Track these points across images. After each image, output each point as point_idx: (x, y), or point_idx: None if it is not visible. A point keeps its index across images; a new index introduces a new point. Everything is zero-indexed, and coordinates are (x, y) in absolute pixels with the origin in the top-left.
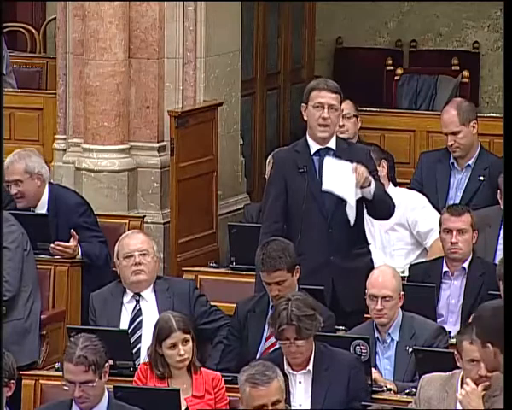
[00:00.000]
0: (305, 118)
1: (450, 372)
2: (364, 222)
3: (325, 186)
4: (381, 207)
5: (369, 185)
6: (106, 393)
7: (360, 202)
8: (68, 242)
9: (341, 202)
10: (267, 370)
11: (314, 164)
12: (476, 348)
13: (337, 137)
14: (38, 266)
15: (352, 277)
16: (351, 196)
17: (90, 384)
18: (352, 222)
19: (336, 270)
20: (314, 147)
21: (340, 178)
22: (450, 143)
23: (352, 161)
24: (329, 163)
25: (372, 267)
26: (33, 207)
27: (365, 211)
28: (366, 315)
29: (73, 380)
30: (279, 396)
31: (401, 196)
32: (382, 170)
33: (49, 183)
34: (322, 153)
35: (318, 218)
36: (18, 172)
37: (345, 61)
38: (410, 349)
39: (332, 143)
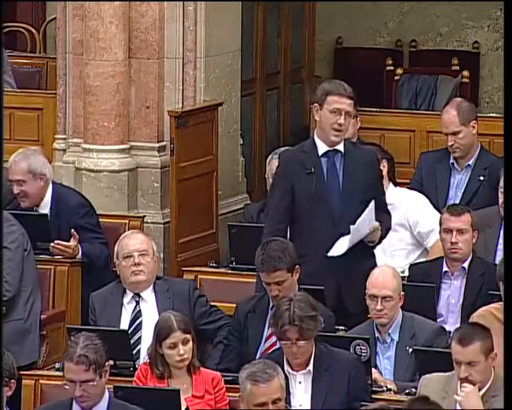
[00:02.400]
0: (317, 118)
1: (450, 373)
2: None
3: (354, 227)
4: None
5: (373, 242)
6: (106, 392)
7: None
8: (69, 241)
9: (348, 204)
10: (268, 368)
11: (322, 165)
12: (459, 349)
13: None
14: (38, 266)
15: (355, 279)
16: (354, 239)
17: (90, 383)
18: (336, 253)
19: (340, 272)
20: (322, 148)
21: (362, 225)
22: (450, 144)
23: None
24: (370, 210)
25: None
26: (36, 207)
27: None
28: (368, 315)
29: (74, 379)
30: (280, 394)
31: (401, 196)
32: (383, 169)
33: (53, 182)
34: (330, 154)
35: (324, 219)
36: (21, 172)
37: (345, 61)
38: (410, 349)
39: (340, 146)
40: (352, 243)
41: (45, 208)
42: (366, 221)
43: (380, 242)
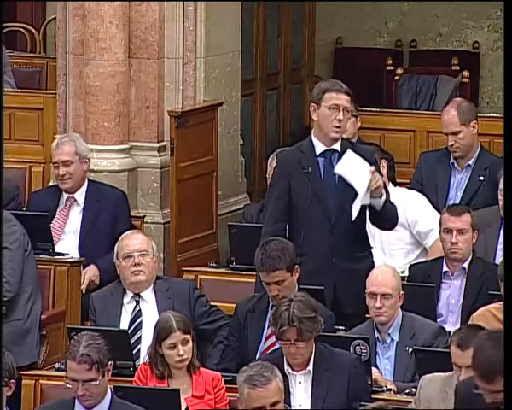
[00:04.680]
0: (315, 118)
1: (450, 372)
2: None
3: (338, 170)
4: (385, 219)
5: (381, 197)
6: (108, 391)
7: (365, 207)
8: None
9: (346, 204)
10: (265, 371)
11: (319, 165)
12: (458, 353)
13: (341, 138)
14: (38, 266)
15: (353, 279)
16: (362, 188)
17: (93, 383)
18: (354, 216)
19: (338, 272)
20: (320, 148)
21: (356, 171)
22: (450, 144)
23: (370, 163)
24: (349, 155)
25: None
26: (72, 193)
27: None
28: (367, 315)
29: (76, 378)
30: (278, 397)
31: (401, 195)
32: (382, 169)
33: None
34: (327, 154)
35: (322, 219)
36: (68, 154)
37: (345, 61)
38: (410, 349)
39: (337, 145)
40: (361, 198)
41: (81, 196)
42: (353, 164)
43: (387, 205)
